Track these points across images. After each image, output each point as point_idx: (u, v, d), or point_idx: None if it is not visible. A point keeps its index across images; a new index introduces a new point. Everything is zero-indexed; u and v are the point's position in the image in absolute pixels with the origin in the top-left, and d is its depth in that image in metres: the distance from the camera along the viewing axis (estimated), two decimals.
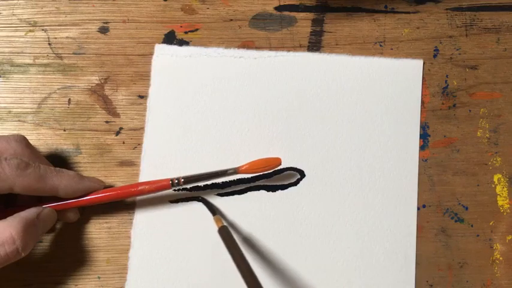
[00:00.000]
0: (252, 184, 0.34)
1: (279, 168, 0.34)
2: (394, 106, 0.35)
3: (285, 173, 0.34)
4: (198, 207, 0.34)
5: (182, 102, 0.35)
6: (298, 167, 0.34)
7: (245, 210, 0.34)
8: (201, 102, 0.35)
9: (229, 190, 0.34)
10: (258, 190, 0.34)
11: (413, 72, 0.36)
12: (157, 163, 0.34)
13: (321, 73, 0.35)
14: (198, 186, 0.34)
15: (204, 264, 0.33)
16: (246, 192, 0.34)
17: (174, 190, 0.33)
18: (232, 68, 0.35)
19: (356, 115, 0.35)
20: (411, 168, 0.35)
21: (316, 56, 0.36)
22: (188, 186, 0.34)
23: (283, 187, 0.34)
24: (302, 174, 0.34)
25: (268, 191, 0.34)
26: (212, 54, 0.35)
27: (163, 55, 0.35)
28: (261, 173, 0.33)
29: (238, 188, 0.34)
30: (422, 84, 0.36)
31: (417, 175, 0.35)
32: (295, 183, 0.34)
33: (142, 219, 0.33)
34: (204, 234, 0.33)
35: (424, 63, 0.36)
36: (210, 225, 0.33)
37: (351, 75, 0.35)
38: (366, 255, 0.33)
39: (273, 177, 0.34)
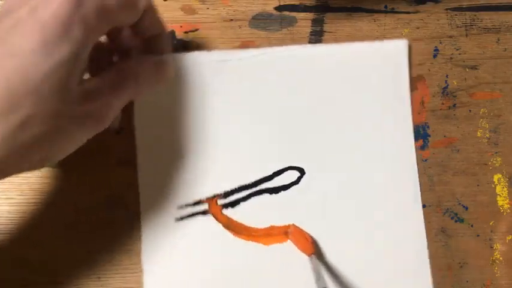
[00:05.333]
0: (255, 189, 0.34)
1: (278, 169, 0.34)
2: (383, 91, 0.35)
3: (285, 173, 0.34)
4: (204, 222, 0.33)
5: (174, 102, 0.34)
6: (297, 165, 0.34)
7: (251, 216, 0.33)
8: (195, 103, 0.34)
9: (233, 199, 0.33)
10: (261, 194, 0.34)
11: (399, 53, 0.35)
12: (155, 163, 0.34)
13: (309, 66, 0.35)
14: (200, 200, 0.33)
15: (215, 280, 0.33)
16: (249, 198, 0.34)
17: (178, 208, 0.33)
18: (219, 71, 0.35)
19: (345, 105, 0.35)
20: (408, 155, 0.34)
21: (301, 49, 0.35)
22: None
23: (285, 187, 0.34)
24: (302, 171, 0.34)
25: (271, 193, 0.34)
26: (197, 60, 0.34)
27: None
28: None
29: (242, 195, 0.34)
30: (411, 68, 0.36)
31: (415, 160, 0.35)
32: (297, 182, 0.34)
33: (150, 242, 0.33)
34: (213, 249, 0.33)
35: (409, 45, 0.36)
36: (218, 239, 0.33)
37: (336, 64, 0.35)
38: (377, 258, 0.33)
39: (274, 179, 0.34)
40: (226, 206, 0.33)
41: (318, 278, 0.30)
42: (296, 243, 0.33)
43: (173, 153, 0.34)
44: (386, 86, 0.35)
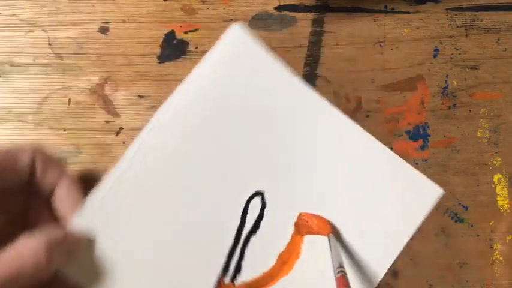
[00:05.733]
0: (241, 244, 0.33)
1: (241, 210, 0.33)
2: (263, 80, 0.33)
3: (249, 207, 0.33)
4: None
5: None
6: (253, 193, 0.33)
7: (259, 263, 0.32)
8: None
9: (233, 267, 0.32)
10: (249, 241, 0.33)
11: (240, 37, 0.33)
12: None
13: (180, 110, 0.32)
14: None
15: None
16: (244, 254, 0.32)
17: None
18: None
19: (249, 114, 0.33)
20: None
21: (170, 106, 0.32)
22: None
23: (260, 217, 0.33)
24: (261, 194, 0.33)
25: (255, 233, 0.33)
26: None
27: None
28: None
29: (236, 258, 0.32)
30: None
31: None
32: (264, 205, 0.33)
33: None
34: None
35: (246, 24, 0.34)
36: None
37: (214, 88, 0.33)
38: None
39: (246, 221, 0.33)
40: (234, 278, 0.32)
41: (336, 256, 0.30)
42: (311, 229, 0.32)
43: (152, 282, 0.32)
44: (262, 74, 0.33)
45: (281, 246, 0.33)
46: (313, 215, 0.33)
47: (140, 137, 0.32)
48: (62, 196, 0.29)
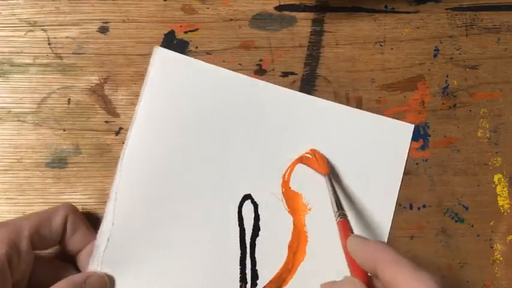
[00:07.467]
0: (248, 250, 0.33)
1: (235, 218, 0.33)
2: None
3: (244, 211, 0.33)
4: None
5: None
6: (241, 196, 0.34)
7: (274, 261, 0.33)
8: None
9: (250, 275, 0.32)
10: (255, 246, 0.33)
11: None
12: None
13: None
14: None
15: None
16: (255, 259, 0.33)
17: None
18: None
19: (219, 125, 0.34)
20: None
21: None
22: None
23: (257, 218, 0.33)
24: (248, 197, 0.33)
25: (258, 235, 0.33)
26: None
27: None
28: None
29: (249, 265, 0.33)
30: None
31: None
32: (256, 205, 0.33)
33: None
34: None
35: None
36: None
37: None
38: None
39: (244, 225, 0.33)
40: (254, 284, 0.32)
41: (335, 198, 0.31)
42: (312, 163, 0.33)
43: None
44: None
45: (287, 237, 0.33)
46: (318, 152, 0.34)
47: (117, 172, 0.33)
48: (87, 258, 0.31)
